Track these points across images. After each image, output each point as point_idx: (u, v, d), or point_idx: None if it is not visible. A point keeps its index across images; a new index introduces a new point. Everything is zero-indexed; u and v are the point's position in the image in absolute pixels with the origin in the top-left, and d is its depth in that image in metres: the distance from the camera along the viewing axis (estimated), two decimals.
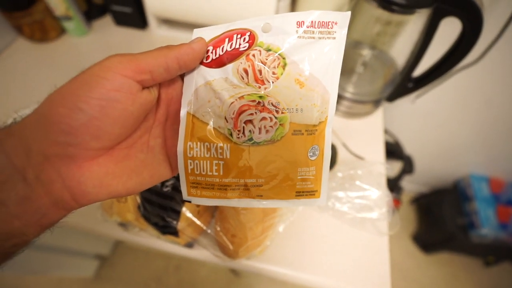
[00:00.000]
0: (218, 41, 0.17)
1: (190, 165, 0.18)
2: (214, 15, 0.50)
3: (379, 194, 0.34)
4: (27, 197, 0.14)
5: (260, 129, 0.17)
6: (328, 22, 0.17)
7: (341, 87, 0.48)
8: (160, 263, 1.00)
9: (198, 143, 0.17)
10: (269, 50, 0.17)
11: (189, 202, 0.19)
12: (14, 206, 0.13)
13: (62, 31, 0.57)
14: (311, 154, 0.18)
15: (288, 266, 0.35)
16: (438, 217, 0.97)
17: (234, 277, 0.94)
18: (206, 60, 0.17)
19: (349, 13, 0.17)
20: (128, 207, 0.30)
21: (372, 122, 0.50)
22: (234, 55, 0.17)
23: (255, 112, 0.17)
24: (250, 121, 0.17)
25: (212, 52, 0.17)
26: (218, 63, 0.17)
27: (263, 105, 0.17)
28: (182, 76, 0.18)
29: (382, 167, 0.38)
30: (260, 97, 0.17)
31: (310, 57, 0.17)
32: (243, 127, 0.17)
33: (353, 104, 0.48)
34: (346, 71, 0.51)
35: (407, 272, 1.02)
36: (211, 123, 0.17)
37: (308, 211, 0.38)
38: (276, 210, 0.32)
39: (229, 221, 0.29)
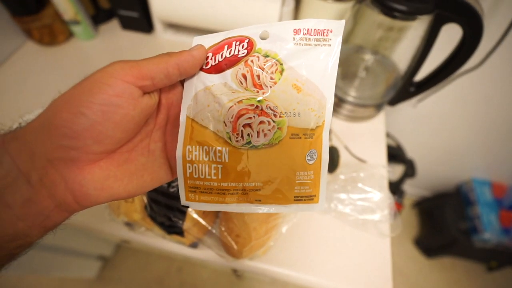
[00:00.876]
0: (217, 48, 0.18)
1: (189, 168, 0.18)
2: (219, 20, 0.51)
3: (381, 196, 0.35)
4: (31, 199, 0.14)
5: (258, 132, 0.17)
6: (324, 30, 0.17)
7: (344, 91, 0.48)
8: (162, 265, 1.00)
9: (197, 146, 0.18)
10: (267, 56, 0.17)
11: (187, 207, 0.18)
12: (18, 208, 0.14)
13: (70, 35, 0.58)
14: (309, 158, 0.18)
15: (290, 267, 0.35)
16: (440, 221, 0.97)
17: (236, 279, 0.94)
18: (205, 67, 0.18)
19: (343, 21, 0.17)
20: (135, 207, 0.30)
21: (374, 126, 0.51)
22: (233, 61, 0.17)
23: (254, 116, 0.17)
24: (249, 125, 0.17)
25: (211, 59, 0.18)
26: (217, 69, 0.18)
27: (261, 109, 0.17)
28: (182, 82, 0.18)
29: (384, 170, 0.39)
30: (259, 101, 0.17)
31: (307, 63, 0.17)
32: (242, 130, 0.17)
33: (355, 108, 0.49)
34: (349, 75, 0.51)
35: (409, 276, 1.01)
36: (210, 127, 0.18)
37: (310, 212, 0.38)
38: None
39: (234, 221, 0.29)
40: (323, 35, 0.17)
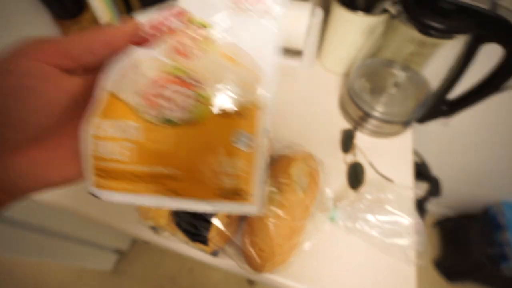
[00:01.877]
0: (151, 22, 0.16)
1: (96, 146, 0.15)
2: None
3: (410, 220, 0.33)
4: None
5: (176, 104, 0.15)
6: None
7: (371, 106, 0.47)
8: (174, 264, 1.02)
9: (108, 121, 0.15)
10: (202, 26, 0.16)
11: (94, 195, 0.16)
12: None
13: None
14: (239, 141, 0.15)
15: (309, 284, 0.35)
16: (464, 243, 0.92)
17: (248, 285, 0.94)
18: (136, 41, 0.16)
19: None
20: (163, 213, 0.32)
21: (400, 143, 0.49)
22: (164, 33, 0.16)
23: (172, 86, 0.15)
24: (167, 97, 0.15)
25: (144, 33, 0.16)
26: (147, 42, 0.16)
27: (183, 80, 0.15)
28: None
29: (411, 192, 0.38)
30: (183, 72, 0.16)
31: (244, 33, 0.16)
32: (158, 102, 0.15)
33: (381, 124, 0.47)
34: (377, 90, 0.50)
35: None
36: (128, 100, 0.15)
37: (334, 231, 0.37)
38: (303, 227, 0.32)
39: (258, 235, 0.30)
40: (262, 5, 0.16)
